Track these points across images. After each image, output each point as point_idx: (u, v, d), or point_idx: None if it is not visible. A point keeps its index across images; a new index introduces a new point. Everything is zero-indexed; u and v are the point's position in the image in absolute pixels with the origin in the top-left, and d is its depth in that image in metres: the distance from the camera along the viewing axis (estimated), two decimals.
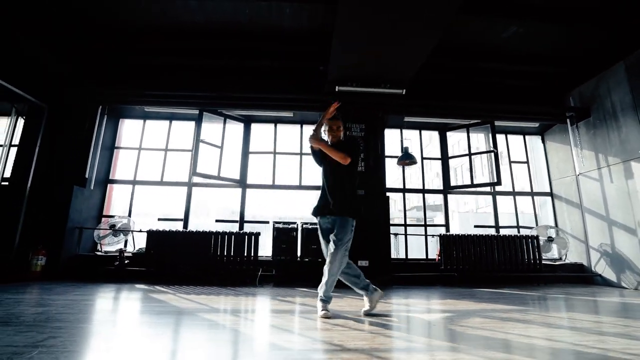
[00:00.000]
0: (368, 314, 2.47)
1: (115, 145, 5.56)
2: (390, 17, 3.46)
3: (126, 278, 4.38)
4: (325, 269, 2.46)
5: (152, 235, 4.54)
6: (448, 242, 4.73)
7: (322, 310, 2.38)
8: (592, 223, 4.83)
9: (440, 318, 2.38)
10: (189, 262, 4.42)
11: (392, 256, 4.75)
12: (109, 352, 1.49)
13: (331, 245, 2.42)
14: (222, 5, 4.04)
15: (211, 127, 5.45)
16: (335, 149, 2.56)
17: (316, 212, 2.65)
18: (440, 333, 1.97)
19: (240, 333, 1.90)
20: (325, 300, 2.45)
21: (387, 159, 5.27)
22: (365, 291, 2.52)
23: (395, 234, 5.02)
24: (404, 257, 5.17)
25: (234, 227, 5.19)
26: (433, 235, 4.98)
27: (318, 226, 2.64)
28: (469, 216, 21.09)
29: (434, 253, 5.16)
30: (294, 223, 4.75)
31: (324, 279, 2.47)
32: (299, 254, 4.65)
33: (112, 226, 4.87)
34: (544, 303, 3.15)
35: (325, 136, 2.76)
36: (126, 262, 4.56)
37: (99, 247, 4.96)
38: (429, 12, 3.38)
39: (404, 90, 4.70)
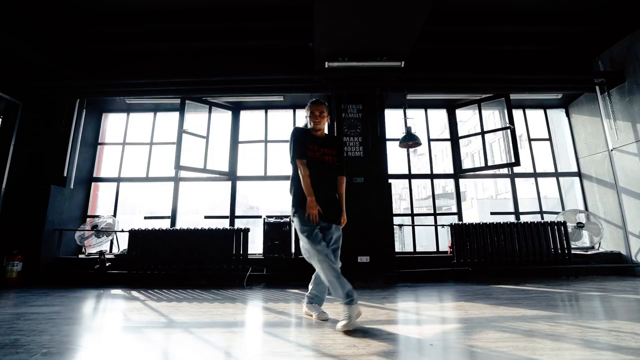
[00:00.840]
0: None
1: (99, 142, 5.23)
2: None
3: (107, 282, 4.06)
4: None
5: (134, 235, 4.20)
6: (461, 232, 4.18)
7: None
8: (630, 205, 4.16)
9: (442, 333, 1.88)
10: (174, 262, 4.05)
11: (397, 250, 4.25)
12: None
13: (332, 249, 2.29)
14: None
15: (196, 117, 5.05)
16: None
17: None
18: (440, 358, 1.48)
19: None
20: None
21: (389, 143, 4.75)
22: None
23: (400, 225, 4.49)
24: (411, 250, 4.65)
25: (225, 223, 4.79)
26: (443, 225, 4.44)
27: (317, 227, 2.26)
28: (488, 202, 20.17)
29: (445, 245, 4.63)
30: (287, 217, 4.30)
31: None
32: (292, 250, 4.21)
33: (95, 227, 4.56)
34: (580, 305, 2.59)
35: (307, 122, 2.48)
36: (107, 264, 4.24)
37: (83, 250, 4.67)
38: None
39: (403, 63, 4.12)
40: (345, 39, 3.84)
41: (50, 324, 2.10)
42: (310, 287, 2.40)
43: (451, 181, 5.57)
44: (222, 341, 1.79)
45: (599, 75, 4.48)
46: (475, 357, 1.47)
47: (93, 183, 5.06)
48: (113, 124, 5.48)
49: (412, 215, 4.81)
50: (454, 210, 4.94)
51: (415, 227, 4.68)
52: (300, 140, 2.36)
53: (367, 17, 3.47)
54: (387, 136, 4.65)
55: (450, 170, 5.26)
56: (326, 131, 2.57)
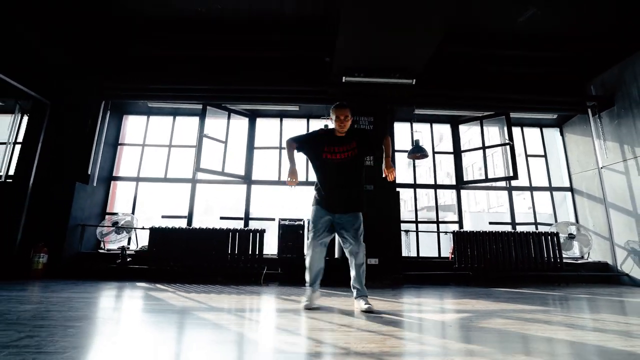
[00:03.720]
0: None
1: (119, 142, 5.48)
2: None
3: (128, 276, 4.27)
4: (360, 260, 2.50)
5: (154, 232, 4.43)
6: (462, 239, 4.49)
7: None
8: (617, 219, 4.53)
9: (456, 318, 2.17)
10: (192, 260, 4.29)
11: (403, 254, 4.54)
12: (89, 353, 1.34)
13: (353, 238, 2.49)
14: None
15: (215, 123, 5.32)
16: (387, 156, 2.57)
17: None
18: (460, 334, 1.77)
19: (242, 335, 1.73)
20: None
21: (397, 154, 5.07)
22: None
23: (407, 231, 4.80)
24: (415, 255, 4.95)
25: (239, 225, 5.04)
26: (446, 232, 4.75)
27: (328, 217, 2.55)
28: (481, 216, 20.62)
29: (446, 251, 4.93)
30: (301, 220, 4.57)
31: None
32: (305, 252, 4.47)
33: (115, 223, 4.77)
34: (570, 304, 2.90)
35: (331, 125, 2.66)
36: (128, 259, 4.46)
37: (102, 245, 4.88)
38: None
39: (414, 80, 4.48)
40: (363, 56, 4.19)
41: (101, 306, 2.34)
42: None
43: (448, 194, 5.89)
44: (263, 320, 2.05)
45: (591, 99, 4.90)
46: (488, 332, 1.76)
47: (112, 182, 5.29)
48: (133, 125, 5.73)
49: (417, 222, 5.12)
50: (448, 220, 5.27)
51: (419, 233, 4.98)
52: (311, 136, 2.69)
53: (387, 36, 3.81)
54: (395, 147, 4.98)
55: (446, 180, 5.60)
56: None
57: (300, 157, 2.73)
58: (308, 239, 2.58)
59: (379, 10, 3.42)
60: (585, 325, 2.01)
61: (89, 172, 4.77)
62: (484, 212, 24.54)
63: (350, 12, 3.46)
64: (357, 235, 2.50)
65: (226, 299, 2.83)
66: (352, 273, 2.56)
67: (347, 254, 2.58)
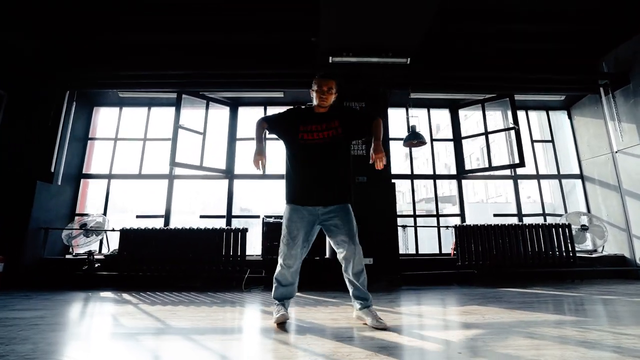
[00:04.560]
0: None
1: (89, 137, 5.00)
2: None
3: (95, 284, 3.83)
4: (359, 267, 2.08)
5: (125, 234, 3.98)
6: (465, 233, 4.07)
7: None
8: (634, 208, 4.12)
9: (469, 338, 1.75)
10: (167, 264, 3.85)
11: (401, 251, 4.12)
12: None
13: (345, 240, 2.04)
14: None
15: (193, 113, 4.86)
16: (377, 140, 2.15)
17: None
18: None
19: None
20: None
21: (391, 142, 4.62)
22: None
23: (404, 226, 4.37)
24: (414, 252, 4.53)
25: (222, 223, 4.60)
26: (447, 227, 4.33)
27: (309, 219, 2.11)
28: (481, 207, 20.27)
29: (448, 247, 4.52)
30: None
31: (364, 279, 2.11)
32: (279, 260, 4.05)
33: (83, 225, 4.32)
34: (595, 310, 2.50)
35: (312, 98, 2.21)
36: (96, 265, 4.01)
37: (70, 250, 4.43)
38: None
39: (409, 60, 4.03)
40: (351, 33, 3.72)
41: (34, 331, 1.91)
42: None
43: (446, 185, 5.47)
44: (226, 350, 1.63)
45: (604, 77, 4.45)
46: None
47: (82, 180, 4.82)
48: (105, 118, 5.26)
49: (415, 216, 4.70)
50: (447, 213, 4.85)
51: (418, 228, 4.57)
52: (285, 114, 2.27)
53: (375, 10, 3.35)
54: (390, 135, 4.53)
55: (446, 169, 5.17)
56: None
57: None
58: (279, 250, 2.13)
59: None
60: (634, 347, 1.58)
61: (53, 170, 4.31)
62: (482, 202, 24.22)
63: None
64: (352, 235, 2.04)
65: (193, 314, 2.40)
66: (351, 285, 2.13)
67: (340, 260, 2.12)
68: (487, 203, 23.57)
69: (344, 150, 2.18)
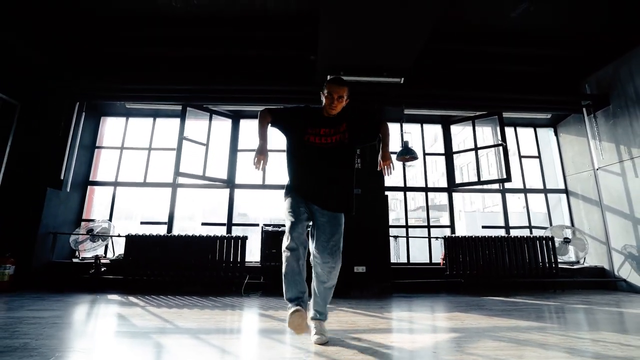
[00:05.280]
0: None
1: (96, 145, 5.22)
2: None
3: (102, 287, 4.03)
4: (328, 276, 1.94)
5: (131, 240, 4.19)
6: (454, 244, 4.30)
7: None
8: (614, 222, 4.37)
9: (445, 340, 1.97)
10: (170, 269, 4.05)
11: (393, 260, 4.34)
12: None
13: (326, 248, 1.91)
14: None
15: (197, 124, 5.09)
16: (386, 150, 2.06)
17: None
18: None
19: None
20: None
21: None
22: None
23: (396, 237, 4.60)
24: (405, 261, 4.75)
25: (222, 231, 4.81)
26: (437, 238, 4.56)
27: (297, 201, 1.99)
28: (476, 216, 20.51)
29: (438, 256, 4.74)
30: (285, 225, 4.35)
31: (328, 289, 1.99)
32: (283, 249, 4.26)
33: (90, 231, 4.52)
34: (567, 317, 2.72)
35: (322, 101, 2.10)
36: (103, 269, 4.21)
37: (77, 254, 4.62)
38: None
39: (403, 79, 4.29)
40: (348, 53, 3.98)
41: (55, 329, 2.11)
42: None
43: (440, 193, 5.70)
44: (229, 346, 1.84)
45: (586, 98, 4.73)
46: None
47: (89, 187, 5.03)
48: (111, 127, 5.48)
49: (407, 227, 4.93)
50: (442, 222, 5.09)
51: (410, 238, 4.79)
52: (293, 110, 2.16)
53: (371, 32, 3.60)
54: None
55: (441, 182, 5.41)
56: None
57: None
58: (284, 235, 1.95)
59: (361, 5, 3.21)
60: (586, 349, 1.81)
61: (62, 177, 4.52)
62: (478, 212, 24.51)
63: (329, 6, 3.26)
64: (333, 245, 1.91)
65: (198, 316, 2.61)
66: (315, 292, 2.02)
67: (314, 266, 1.99)
68: (484, 212, 23.87)
69: (349, 156, 2.09)
